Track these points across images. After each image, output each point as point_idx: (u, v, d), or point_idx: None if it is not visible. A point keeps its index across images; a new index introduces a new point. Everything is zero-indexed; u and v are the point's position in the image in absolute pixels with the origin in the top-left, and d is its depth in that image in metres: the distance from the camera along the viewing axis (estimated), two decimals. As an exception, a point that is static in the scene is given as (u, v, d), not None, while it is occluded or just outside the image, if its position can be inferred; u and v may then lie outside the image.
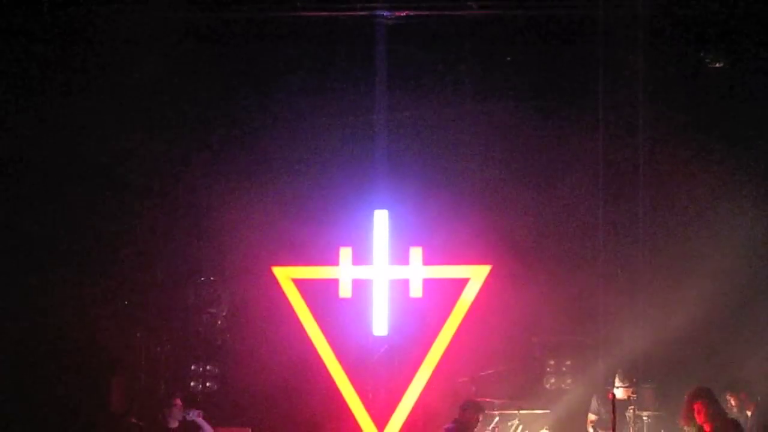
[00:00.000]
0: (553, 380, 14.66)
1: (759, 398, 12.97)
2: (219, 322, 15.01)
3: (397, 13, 14.01)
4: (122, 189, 14.70)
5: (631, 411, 13.50)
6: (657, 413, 13.89)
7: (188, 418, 13.53)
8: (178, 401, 13.67)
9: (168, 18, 14.08)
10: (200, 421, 13.60)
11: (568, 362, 14.80)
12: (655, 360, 14.23)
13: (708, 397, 11.54)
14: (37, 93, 14.28)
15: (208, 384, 14.85)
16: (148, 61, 14.40)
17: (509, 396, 14.12)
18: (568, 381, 14.71)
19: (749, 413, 12.87)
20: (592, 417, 13.61)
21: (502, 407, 14.04)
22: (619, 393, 13.22)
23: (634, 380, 13.57)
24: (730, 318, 14.24)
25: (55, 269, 14.32)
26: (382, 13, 13.99)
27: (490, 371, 14.19)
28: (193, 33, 14.25)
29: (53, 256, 14.34)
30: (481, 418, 13.01)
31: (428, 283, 14.08)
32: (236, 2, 13.92)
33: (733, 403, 12.93)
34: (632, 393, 13.38)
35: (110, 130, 14.43)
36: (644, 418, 13.56)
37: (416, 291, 14.06)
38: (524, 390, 14.38)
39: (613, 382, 13.48)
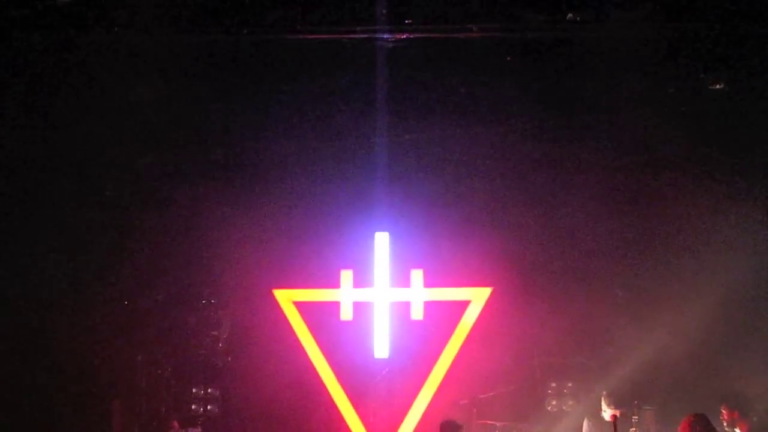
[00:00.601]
0: (554, 402, 14.65)
1: (755, 419, 12.94)
2: (220, 345, 15.02)
3: (397, 36, 13.98)
4: (123, 211, 14.71)
5: (633, 432, 13.52)
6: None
7: None
8: (175, 424, 13.67)
9: (168, 40, 14.09)
10: None
11: (570, 384, 14.79)
12: (656, 382, 14.21)
13: (702, 424, 11.52)
14: (34, 114, 14.26)
15: (209, 407, 14.85)
16: (147, 83, 14.39)
17: (511, 418, 14.13)
18: (570, 403, 14.70)
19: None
20: (587, 440, 13.57)
21: (503, 430, 14.03)
22: (606, 416, 13.29)
23: (621, 402, 13.54)
24: (733, 339, 14.23)
25: (55, 292, 14.31)
26: (382, 36, 13.95)
27: (491, 393, 14.18)
28: (192, 55, 14.23)
29: (53, 278, 14.33)
30: None
31: (429, 306, 14.09)
32: (236, 24, 13.91)
33: (725, 416, 12.87)
34: (619, 414, 13.26)
35: (110, 153, 14.44)
36: (645, 439, 13.57)
37: (417, 313, 14.08)
38: (526, 412, 14.38)
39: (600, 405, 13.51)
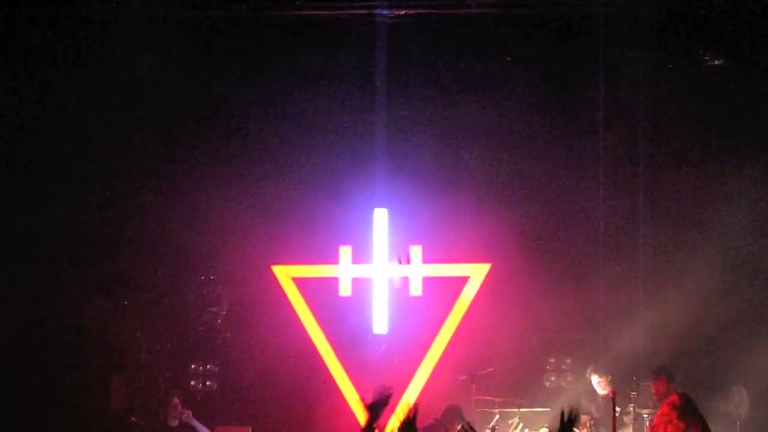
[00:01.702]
0: (553, 378, 14.65)
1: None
2: (219, 321, 15.00)
3: (396, 12, 14.02)
4: (121, 188, 14.70)
5: (632, 408, 13.52)
6: (657, 411, 13.91)
7: (182, 419, 13.58)
8: (176, 400, 13.70)
9: (165, 16, 14.09)
10: (194, 422, 13.62)
11: (568, 360, 14.79)
12: (655, 357, 14.22)
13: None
14: (29, 95, 14.27)
15: (208, 383, 14.85)
16: (144, 60, 14.42)
17: (509, 394, 14.11)
18: (569, 379, 14.70)
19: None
20: (583, 418, 13.54)
21: (502, 405, 14.03)
22: (599, 389, 13.42)
23: (610, 377, 13.61)
24: (731, 315, 14.23)
25: (55, 269, 14.33)
26: (381, 12, 13.99)
27: (490, 369, 14.16)
28: (190, 31, 14.26)
29: (52, 255, 14.34)
30: (459, 427, 12.79)
31: (428, 282, 14.10)
32: (236, 1, 13.92)
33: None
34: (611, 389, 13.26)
35: (107, 132, 14.43)
36: (644, 415, 13.56)
37: (416, 289, 14.08)
38: (524, 388, 14.37)
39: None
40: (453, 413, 12.93)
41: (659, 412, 12.26)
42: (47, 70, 14.25)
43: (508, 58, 14.52)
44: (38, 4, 13.89)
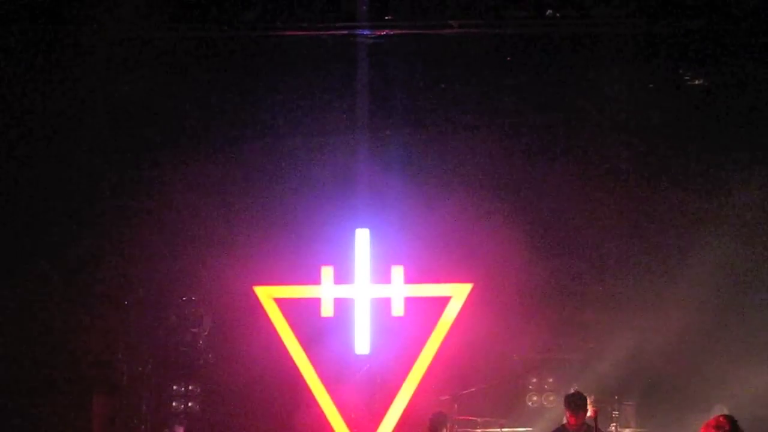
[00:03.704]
0: (535, 398, 14.70)
1: None
2: (201, 342, 14.98)
3: (377, 32, 14.01)
4: (103, 208, 14.69)
5: (613, 428, 13.55)
6: (639, 430, 13.96)
7: None
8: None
9: (148, 37, 14.08)
10: None
11: (551, 380, 14.84)
12: (636, 377, 14.26)
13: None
14: (15, 109, 14.25)
15: (190, 404, 14.83)
16: (128, 80, 14.39)
17: (491, 414, 14.16)
18: (551, 398, 14.74)
19: None
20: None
21: (484, 425, 14.06)
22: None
23: (592, 397, 13.64)
24: (713, 335, 14.28)
25: (36, 289, 14.29)
26: (362, 32, 13.99)
27: (472, 389, 14.19)
28: (172, 52, 14.24)
29: (34, 275, 14.31)
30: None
31: (410, 302, 14.08)
32: (216, 22, 13.91)
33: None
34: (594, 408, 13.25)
35: (89, 148, 14.43)
36: (626, 435, 13.62)
37: (398, 310, 14.05)
38: (506, 408, 14.42)
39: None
40: (441, 418, 12.93)
41: None
42: (28, 87, 14.24)
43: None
44: (15, 22, 13.87)
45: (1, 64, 14.06)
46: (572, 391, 12.95)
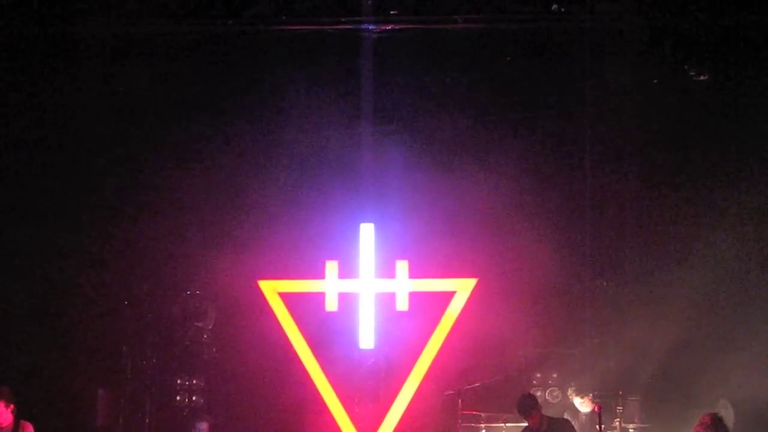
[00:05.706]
0: (539, 393, 14.65)
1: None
2: (205, 336, 14.97)
3: (382, 27, 14.03)
4: (108, 203, 14.69)
5: (617, 423, 13.55)
6: (643, 425, 13.95)
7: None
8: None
9: (153, 31, 14.09)
10: None
11: (555, 375, 14.80)
12: (640, 372, 14.26)
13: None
14: (20, 102, 14.27)
15: (194, 398, 14.82)
16: (133, 75, 14.40)
17: (496, 409, 14.12)
18: (555, 393, 14.70)
19: None
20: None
21: (488, 420, 14.05)
22: (582, 409, 13.49)
23: (591, 394, 13.67)
24: (718, 330, 14.28)
25: (41, 282, 14.31)
26: (367, 27, 14.00)
27: (476, 384, 14.14)
28: (177, 46, 14.27)
29: (38, 268, 14.33)
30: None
31: (414, 297, 14.09)
32: (221, 15, 13.93)
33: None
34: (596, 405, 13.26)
35: (92, 143, 14.45)
36: (630, 430, 13.59)
37: (402, 304, 14.08)
38: (510, 403, 14.31)
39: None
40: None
41: None
42: (32, 81, 14.26)
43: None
44: (17, 19, 13.89)
45: (2, 62, 14.11)
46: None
